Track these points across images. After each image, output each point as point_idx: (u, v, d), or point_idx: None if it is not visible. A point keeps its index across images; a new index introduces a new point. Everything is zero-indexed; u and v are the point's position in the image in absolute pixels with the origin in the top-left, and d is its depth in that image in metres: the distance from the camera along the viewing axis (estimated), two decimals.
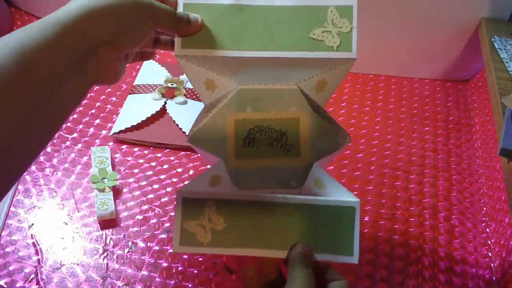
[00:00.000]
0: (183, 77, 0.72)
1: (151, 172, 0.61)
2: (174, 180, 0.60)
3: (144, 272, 0.51)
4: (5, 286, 0.49)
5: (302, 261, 0.35)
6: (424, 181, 0.62)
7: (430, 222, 0.57)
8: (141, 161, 0.62)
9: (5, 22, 0.81)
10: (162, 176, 0.60)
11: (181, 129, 0.64)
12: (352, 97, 0.74)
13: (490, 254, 0.55)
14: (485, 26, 0.67)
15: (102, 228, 0.54)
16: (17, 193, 0.57)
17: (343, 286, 0.34)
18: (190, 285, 0.50)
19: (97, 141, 0.65)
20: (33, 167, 0.60)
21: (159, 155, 0.63)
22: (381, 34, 0.73)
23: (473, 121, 0.71)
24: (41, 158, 0.61)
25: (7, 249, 0.52)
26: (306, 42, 0.40)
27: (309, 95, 0.44)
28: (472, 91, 0.76)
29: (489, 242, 0.56)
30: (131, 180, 0.60)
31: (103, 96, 0.71)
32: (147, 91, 0.69)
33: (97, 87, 0.71)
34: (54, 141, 0.64)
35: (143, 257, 0.52)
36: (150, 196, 0.58)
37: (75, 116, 0.68)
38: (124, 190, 0.59)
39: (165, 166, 0.62)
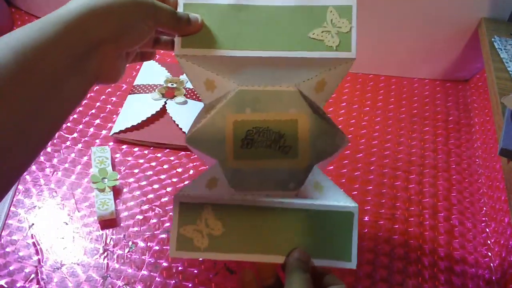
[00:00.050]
0: (183, 77, 0.72)
1: (151, 172, 0.61)
2: (174, 180, 0.60)
3: (144, 272, 0.51)
4: (6, 286, 0.49)
5: (300, 266, 0.35)
6: (424, 181, 0.62)
7: (430, 222, 0.58)
8: (141, 161, 0.62)
9: (5, 22, 0.81)
10: (162, 176, 0.61)
11: (181, 129, 0.64)
12: (352, 97, 0.74)
13: (489, 254, 0.55)
14: (485, 26, 0.67)
15: (102, 228, 0.54)
16: (17, 193, 0.57)
17: None
18: (190, 285, 0.50)
19: (97, 141, 0.65)
20: (33, 167, 0.60)
21: (159, 155, 0.63)
22: (381, 34, 0.73)
23: (473, 121, 0.71)
24: (41, 158, 0.61)
25: (8, 249, 0.52)
26: (306, 42, 0.40)
27: (308, 95, 0.44)
28: (472, 91, 0.76)
29: (489, 242, 0.56)
30: (131, 180, 0.60)
31: (103, 96, 0.71)
32: (147, 91, 0.69)
33: (97, 87, 0.71)
34: (54, 141, 0.64)
35: (143, 257, 0.52)
36: (150, 196, 0.58)
37: (75, 116, 0.68)
38: (124, 190, 0.59)
39: (165, 166, 0.62)
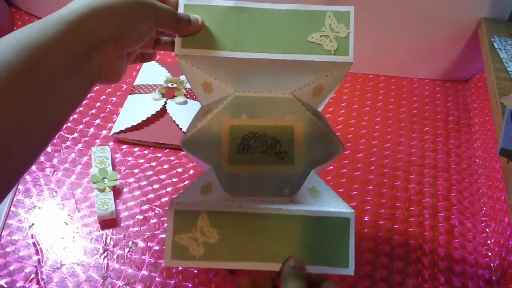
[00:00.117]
0: (183, 77, 0.72)
1: (151, 172, 0.61)
2: (174, 180, 0.60)
3: (144, 272, 0.51)
4: (6, 286, 0.49)
5: (295, 274, 0.35)
6: (424, 181, 0.62)
7: (429, 222, 0.58)
8: (141, 161, 0.62)
9: (5, 22, 0.81)
10: (162, 176, 0.61)
11: (181, 129, 0.64)
12: (352, 97, 0.74)
13: (489, 254, 0.55)
14: (485, 26, 0.67)
15: (103, 228, 0.54)
16: (17, 193, 0.57)
17: None
18: (190, 285, 0.50)
19: (97, 141, 0.65)
20: (33, 167, 0.61)
21: (159, 155, 0.63)
22: (381, 34, 0.73)
23: (473, 121, 0.71)
24: (42, 158, 0.62)
25: (8, 249, 0.52)
26: (305, 46, 0.40)
27: (305, 100, 0.44)
28: (471, 91, 0.76)
29: (489, 242, 0.56)
30: (131, 180, 0.60)
31: (104, 96, 0.71)
32: (147, 91, 0.69)
33: (97, 87, 0.71)
34: (55, 141, 0.64)
35: (143, 257, 0.52)
36: (150, 196, 0.58)
37: (75, 116, 0.68)
38: (124, 190, 0.59)
39: (165, 166, 0.62)
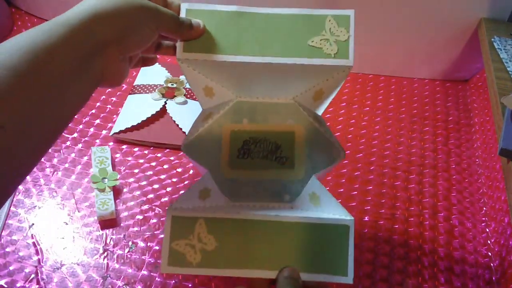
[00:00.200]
0: (183, 77, 0.72)
1: (151, 172, 0.61)
2: (174, 180, 0.60)
3: (144, 272, 0.51)
4: (6, 286, 0.49)
5: (290, 284, 0.35)
6: (424, 181, 0.62)
7: (429, 222, 0.58)
8: (141, 161, 0.62)
9: (5, 22, 0.81)
10: (162, 176, 0.61)
11: (181, 129, 0.64)
12: (352, 97, 0.74)
13: (489, 254, 0.55)
14: (485, 26, 0.67)
15: (102, 228, 0.54)
16: (17, 193, 0.57)
17: None
18: (190, 285, 0.50)
19: (97, 141, 0.65)
20: None
21: (159, 155, 0.63)
22: (381, 34, 0.73)
23: (473, 121, 0.71)
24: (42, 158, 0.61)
25: (8, 249, 0.52)
26: (305, 49, 0.40)
27: (306, 104, 0.44)
28: (471, 91, 0.76)
29: (489, 242, 0.56)
30: (131, 180, 0.60)
31: (104, 96, 0.71)
32: (147, 91, 0.69)
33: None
34: None
35: (143, 257, 0.52)
36: (150, 196, 0.58)
37: (75, 116, 0.68)
38: (124, 190, 0.59)
39: (165, 166, 0.62)
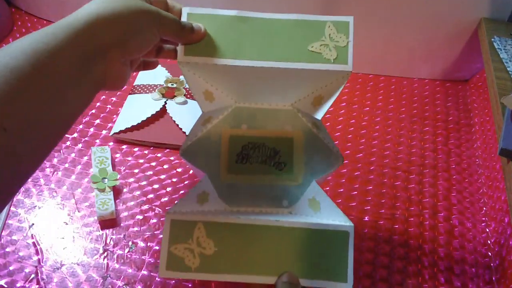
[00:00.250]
0: (183, 77, 0.72)
1: (151, 172, 0.61)
2: (174, 180, 0.60)
3: (144, 272, 0.51)
4: (6, 286, 0.49)
5: None
6: (424, 181, 0.62)
7: (430, 222, 0.58)
8: (141, 161, 0.62)
9: (5, 22, 0.81)
10: (162, 176, 0.61)
11: (181, 129, 0.64)
12: (352, 97, 0.74)
13: (489, 254, 0.55)
14: (485, 26, 0.67)
15: (102, 228, 0.54)
16: (17, 193, 0.57)
17: None
18: (190, 285, 0.50)
19: (97, 141, 0.65)
20: None
21: (159, 155, 0.63)
22: (381, 34, 0.73)
23: (473, 121, 0.71)
24: None
25: (8, 249, 0.52)
26: (304, 54, 0.41)
27: (305, 110, 0.44)
28: (471, 91, 0.76)
29: (489, 242, 0.56)
30: (131, 180, 0.60)
31: (103, 96, 0.71)
32: (147, 91, 0.69)
33: None
34: None
35: (143, 257, 0.52)
36: (150, 196, 0.58)
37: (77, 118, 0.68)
38: (124, 190, 0.59)
39: (165, 166, 0.62)
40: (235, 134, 0.45)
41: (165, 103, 0.67)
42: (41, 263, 0.51)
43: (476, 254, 0.55)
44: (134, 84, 0.71)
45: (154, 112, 0.66)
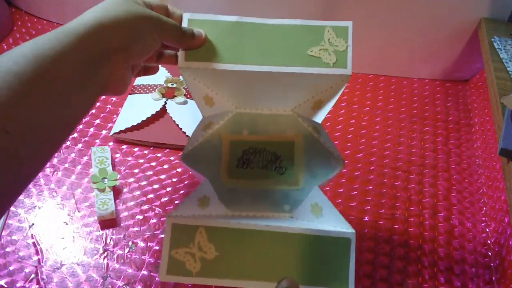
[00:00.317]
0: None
1: (151, 172, 0.61)
2: (174, 180, 0.60)
3: (144, 272, 0.51)
4: (5, 286, 0.49)
5: None
6: (424, 181, 0.62)
7: (430, 222, 0.58)
8: (141, 161, 0.62)
9: (5, 22, 0.81)
10: (162, 176, 0.61)
11: (181, 129, 0.64)
12: (352, 97, 0.74)
13: (489, 254, 0.55)
14: (485, 26, 0.67)
15: (102, 228, 0.54)
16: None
17: None
18: (190, 285, 0.50)
19: (97, 141, 0.65)
20: None
21: (159, 155, 0.63)
22: (381, 34, 0.73)
23: (473, 121, 0.71)
24: None
25: (8, 249, 0.52)
26: (304, 59, 0.41)
27: (305, 114, 0.45)
28: (471, 91, 0.76)
29: (489, 242, 0.56)
30: (131, 180, 0.60)
31: (103, 96, 0.71)
32: (147, 91, 0.69)
33: None
34: None
35: (143, 257, 0.52)
36: (150, 196, 0.58)
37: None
38: (124, 190, 0.59)
39: (165, 166, 0.62)
40: (236, 139, 0.45)
41: (165, 103, 0.67)
42: (41, 263, 0.51)
43: (476, 254, 0.55)
44: (134, 84, 0.71)
45: (154, 112, 0.66)
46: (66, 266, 0.51)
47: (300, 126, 0.45)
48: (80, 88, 0.32)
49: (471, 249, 0.55)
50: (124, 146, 0.64)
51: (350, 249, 0.38)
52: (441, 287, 0.52)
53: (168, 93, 0.68)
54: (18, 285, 0.49)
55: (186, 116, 0.66)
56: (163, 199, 0.58)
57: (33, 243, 0.53)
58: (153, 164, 0.62)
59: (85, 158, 0.62)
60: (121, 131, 0.64)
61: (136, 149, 0.64)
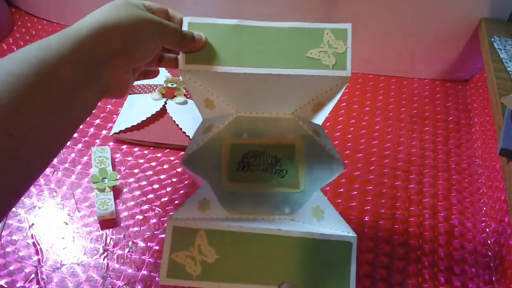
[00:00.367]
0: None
1: (151, 172, 0.61)
2: (174, 180, 0.60)
3: (144, 272, 0.51)
4: (6, 286, 0.49)
5: None
6: (424, 181, 0.62)
7: (430, 222, 0.58)
8: (141, 161, 0.62)
9: (5, 22, 0.81)
10: (162, 176, 0.61)
11: (181, 129, 0.64)
12: (351, 97, 0.74)
13: (489, 254, 0.55)
14: (485, 26, 0.67)
15: (102, 228, 0.54)
16: None
17: None
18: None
19: (97, 141, 0.65)
20: None
21: (159, 155, 0.63)
22: (381, 34, 0.73)
23: (473, 121, 0.71)
24: None
25: (8, 249, 0.52)
26: (304, 61, 0.41)
27: (306, 116, 0.45)
28: (471, 91, 0.76)
29: (489, 242, 0.56)
30: (131, 180, 0.60)
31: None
32: (147, 91, 0.69)
33: None
34: None
35: (143, 257, 0.52)
36: (150, 196, 0.58)
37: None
38: (124, 190, 0.59)
39: (165, 166, 0.62)
40: (236, 143, 0.45)
41: (165, 103, 0.67)
42: (41, 263, 0.51)
43: (476, 254, 0.55)
44: (134, 84, 0.71)
45: (154, 112, 0.66)
46: (66, 266, 0.51)
47: (300, 129, 0.45)
48: (82, 90, 0.32)
49: (471, 249, 0.55)
50: (124, 146, 0.64)
51: (351, 253, 0.38)
52: (441, 287, 0.52)
53: (168, 93, 0.68)
54: (18, 285, 0.49)
55: (186, 116, 0.66)
56: (163, 199, 0.58)
57: (33, 243, 0.53)
58: (153, 164, 0.62)
59: (85, 158, 0.62)
60: (121, 131, 0.64)
61: (136, 149, 0.64)
